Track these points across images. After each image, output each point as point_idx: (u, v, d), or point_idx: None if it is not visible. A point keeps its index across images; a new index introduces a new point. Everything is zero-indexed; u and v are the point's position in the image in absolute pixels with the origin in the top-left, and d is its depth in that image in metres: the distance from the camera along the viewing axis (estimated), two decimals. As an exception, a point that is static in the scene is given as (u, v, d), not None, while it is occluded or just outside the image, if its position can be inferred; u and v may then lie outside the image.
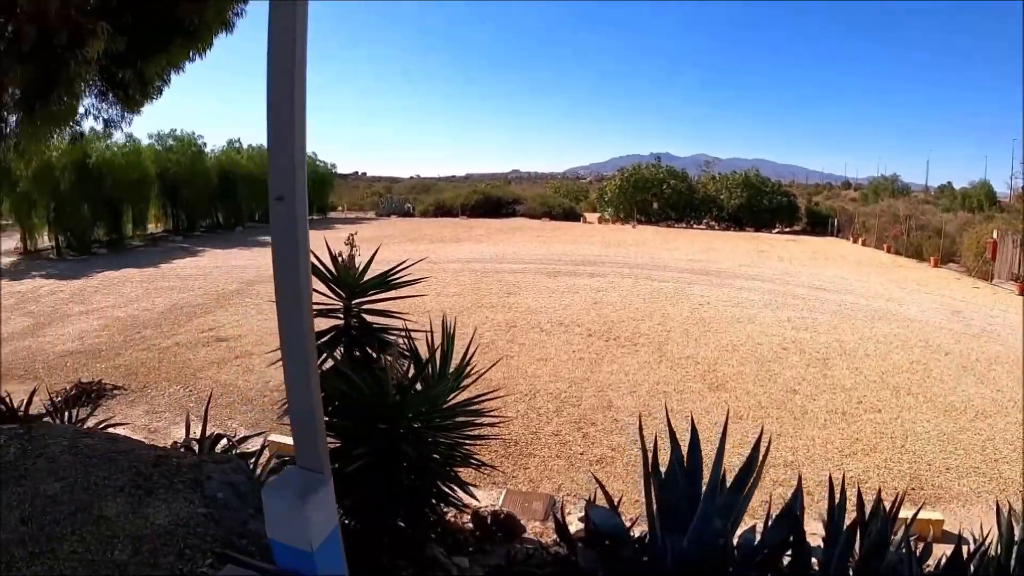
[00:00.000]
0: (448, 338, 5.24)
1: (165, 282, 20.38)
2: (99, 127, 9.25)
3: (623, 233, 35.68)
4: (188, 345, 12.41)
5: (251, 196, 41.80)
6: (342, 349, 5.18)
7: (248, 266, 22.93)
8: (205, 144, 39.08)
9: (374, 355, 5.15)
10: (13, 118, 10.44)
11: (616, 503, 4.49)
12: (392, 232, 30.73)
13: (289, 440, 7.27)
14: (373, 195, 64.41)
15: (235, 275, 20.78)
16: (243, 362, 11.05)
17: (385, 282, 5.30)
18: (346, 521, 5.31)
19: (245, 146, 43.15)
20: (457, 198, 50.61)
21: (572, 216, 46.85)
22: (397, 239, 23.08)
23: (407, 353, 5.23)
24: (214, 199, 39.51)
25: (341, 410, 4.93)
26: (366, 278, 5.28)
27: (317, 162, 48.48)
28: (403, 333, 5.28)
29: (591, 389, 9.85)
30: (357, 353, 5.15)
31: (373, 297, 5.29)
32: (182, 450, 6.05)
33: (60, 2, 6.77)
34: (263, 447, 6.63)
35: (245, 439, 6.82)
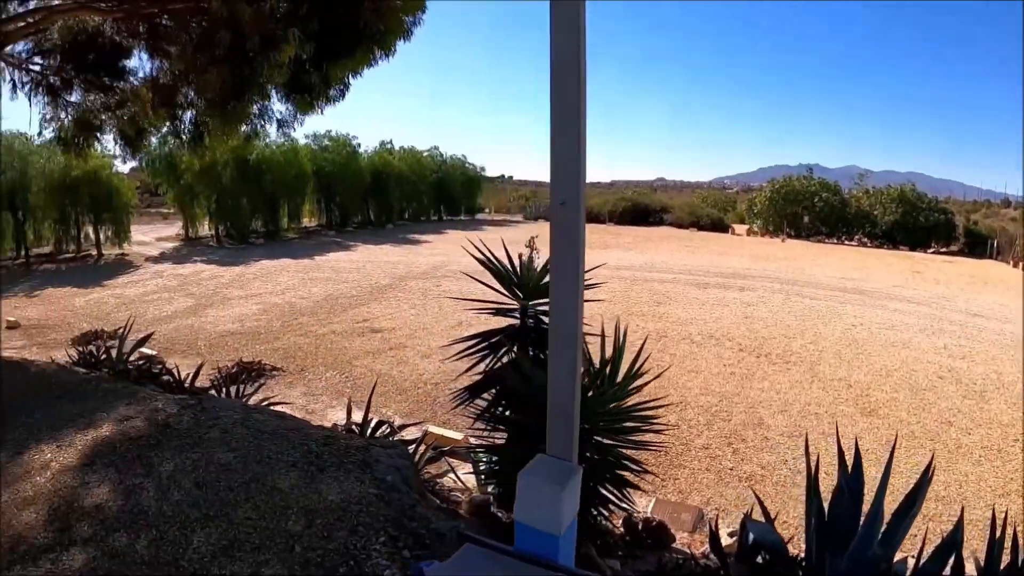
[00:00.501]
0: (619, 347, 5.20)
1: (320, 273, 21.05)
2: (272, 127, 9.61)
3: (772, 247, 34.82)
4: (343, 334, 12.74)
5: (402, 195, 42.96)
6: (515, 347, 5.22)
7: (399, 262, 23.37)
8: (359, 144, 40.28)
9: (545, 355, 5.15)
10: (187, 116, 11.03)
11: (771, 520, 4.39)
12: (541, 236, 31.06)
13: (446, 432, 7.39)
14: (519, 198, 64.41)
15: (387, 270, 21.24)
16: (397, 354, 11.24)
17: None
18: (498, 515, 5.35)
19: (397, 147, 44.21)
20: (604, 204, 50.09)
21: (720, 227, 45.91)
22: (545, 242, 23.27)
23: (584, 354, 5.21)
24: (366, 197, 40.73)
25: (517, 405, 4.91)
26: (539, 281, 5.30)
27: (467, 164, 49.32)
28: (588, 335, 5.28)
29: (742, 405, 9.64)
30: (531, 352, 5.15)
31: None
32: (345, 432, 6.17)
33: (252, 10, 7.06)
34: (422, 437, 6.72)
35: (403, 427, 6.92)
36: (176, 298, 17.83)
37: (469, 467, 6.56)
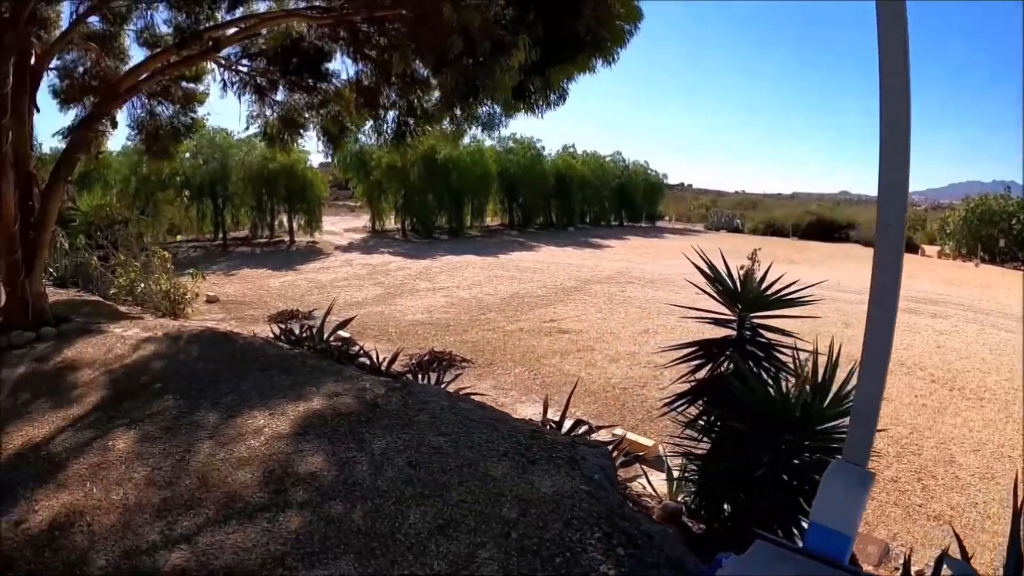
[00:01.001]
0: (832, 364, 5.05)
1: (504, 271, 21.35)
2: (478, 128, 9.87)
3: (964, 271, 32.92)
4: (531, 332, 12.84)
5: (583, 199, 43.19)
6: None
7: (583, 265, 23.35)
8: (543, 148, 40.77)
9: (766, 367, 5.10)
10: (390, 115, 11.50)
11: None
12: (725, 247, 30.59)
13: (638, 438, 7.34)
14: (699, 207, 63.61)
15: (571, 272, 21.22)
16: (585, 356, 11.20)
17: (783, 299, 5.22)
18: (688, 524, 5.31)
19: (579, 152, 44.35)
20: (788, 218, 48.72)
21: (909, 247, 43.62)
22: (730, 255, 23.03)
23: (793, 369, 5.12)
24: (549, 199, 41.17)
25: (735, 415, 4.85)
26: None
27: (649, 171, 49.03)
28: (792, 350, 5.19)
29: (933, 440, 9.23)
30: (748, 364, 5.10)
31: (768, 312, 5.23)
32: (546, 429, 6.23)
33: (482, 17, 7.28)
34: (618, 440, 6.73)
35: (598, 429, 6.94)
36: (366, 286, 18.55)
37: (657, 473, 6.51)
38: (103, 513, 4.66)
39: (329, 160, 31.79)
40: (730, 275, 5.31)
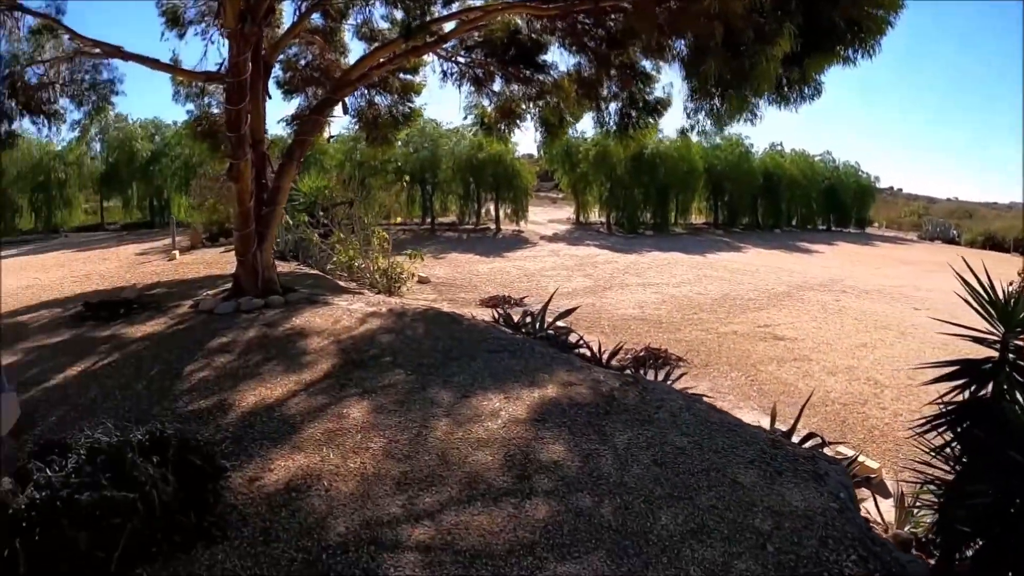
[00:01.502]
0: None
1: (712, 271, 21.01)
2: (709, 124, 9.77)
3: None
4: (744, 336, 12.61)
5: (791, 199, 41.81)
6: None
7: (793, 270, 22.59)
8: (752, 145, 39.57)
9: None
10: (612, 107, 11.58)
11: None
12: (948, 259, 29.48)
13: (868, 462, 7.07)
14: (911, 214, 59.99)
15: (781, 277, 20.60)
16: (801, 366, 10.90)
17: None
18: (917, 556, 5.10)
19: (788, 151, 42.99)
20: (1009, 230, 45.05)
21: None
22: (942, 269, 21.91)
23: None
24: (756, 198, 40.06)
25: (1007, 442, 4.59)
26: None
27: (860, 172, 46.86)
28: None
29: None
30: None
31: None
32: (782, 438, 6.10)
33: (743, 5, 7.17)
34: (850, 459, 6.50)
35: (828, 444, 6.74)
36: (574, 277, 18.77)
37: (882, 499, 6.26)
38: (341, 480, 4.88)
39: (536, 152, 32.51)
40: (995, 291, 5.04)
